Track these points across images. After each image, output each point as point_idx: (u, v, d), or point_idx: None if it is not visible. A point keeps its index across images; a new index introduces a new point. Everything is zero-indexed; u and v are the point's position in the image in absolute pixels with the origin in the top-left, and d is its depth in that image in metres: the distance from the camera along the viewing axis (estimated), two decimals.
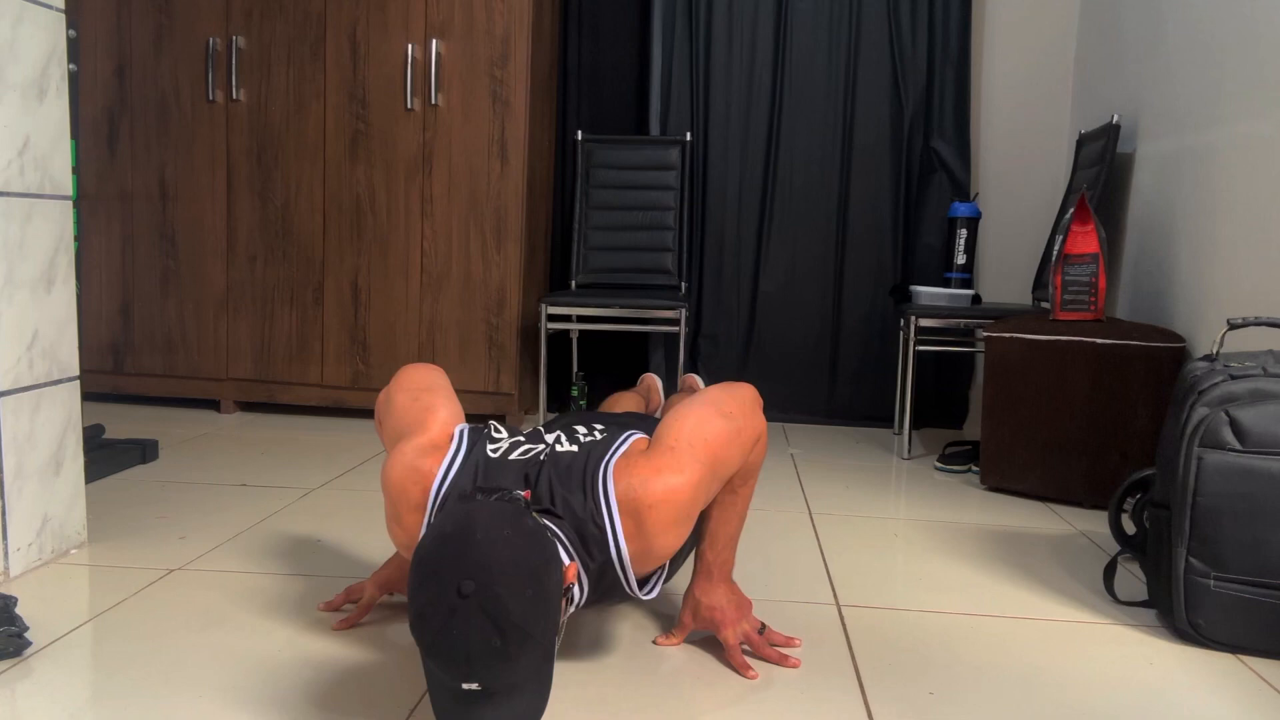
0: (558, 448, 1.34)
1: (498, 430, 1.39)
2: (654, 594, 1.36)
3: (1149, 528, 1.69)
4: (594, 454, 1.30)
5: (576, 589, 1.26)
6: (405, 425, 1.38)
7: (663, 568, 1.37)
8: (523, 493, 1.24)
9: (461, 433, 1.35)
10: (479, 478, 1.29)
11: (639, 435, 1.36)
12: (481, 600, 1.02)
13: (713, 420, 1.33)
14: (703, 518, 1.47)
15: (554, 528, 1.23)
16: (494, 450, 1.33)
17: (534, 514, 1.20)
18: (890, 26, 3.31)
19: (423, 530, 1.29)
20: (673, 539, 1.26)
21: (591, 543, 1.25)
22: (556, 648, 1.13)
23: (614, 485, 1.26)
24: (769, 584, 1.76)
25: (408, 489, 1.30)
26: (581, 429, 1.40)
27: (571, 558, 1.23)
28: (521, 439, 1.38)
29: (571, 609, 1.25)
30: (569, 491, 1.26)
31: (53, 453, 1.76)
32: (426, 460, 1.31)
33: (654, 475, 1.25)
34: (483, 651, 1.02)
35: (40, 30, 1.71)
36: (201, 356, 3.18)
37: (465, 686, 1.05)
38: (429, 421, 1.36)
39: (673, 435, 1.30)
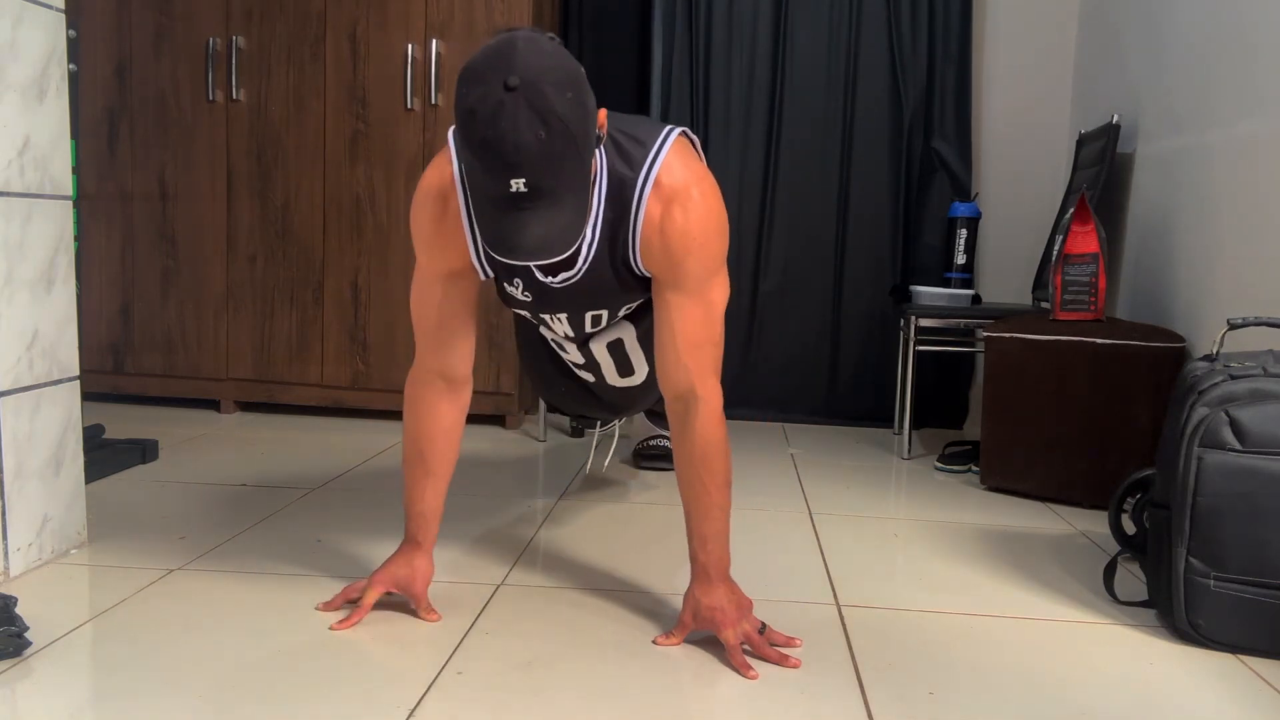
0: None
1: None
2: (628, 312, 1.52)
3: (1149, 528, 1.69)
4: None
5: (594, 191, 1.33)
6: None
7: (644, 391, 1.54)
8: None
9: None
10: None
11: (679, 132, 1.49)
12: (527, 93, 1.11)
13: (723, 298, 1.47)
14: (686, 518, 1.48)
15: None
16: None
17: None
18: (890, 26, 3.31)
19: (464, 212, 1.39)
20: (657, 235, 1.36)
21: (631, 157, 1.36)
22: (590, 180, 1.23)
23: (673, 147, 1.40)
24: (769, 584, 1.76)
25: (428, 183, 1.42)
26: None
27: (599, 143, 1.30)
28: None
29: (596, 209, 1.35)
30: (630, 119, 1.41)
31: (53, 453, 1.76)
32: (433, 169, 1.43)
33: (712, 194, 1.41)
34: (530, 142, 1.11)
35: (40, 30, 1.71)
36: (201, 356, 3.18)
37: (513, 185, 1.12)
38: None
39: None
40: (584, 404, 1.99)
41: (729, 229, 1.47)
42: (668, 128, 1.43)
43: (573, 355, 1.77)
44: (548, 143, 1.11)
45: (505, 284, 1.52)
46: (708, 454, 1.44)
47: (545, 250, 1.17)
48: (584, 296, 1.51)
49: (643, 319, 1.66)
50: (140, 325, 3.20)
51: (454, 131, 1.32)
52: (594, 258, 1.41)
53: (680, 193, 1.37)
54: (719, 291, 1.44)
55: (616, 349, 1.70)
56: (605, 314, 1.60)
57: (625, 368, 1.75)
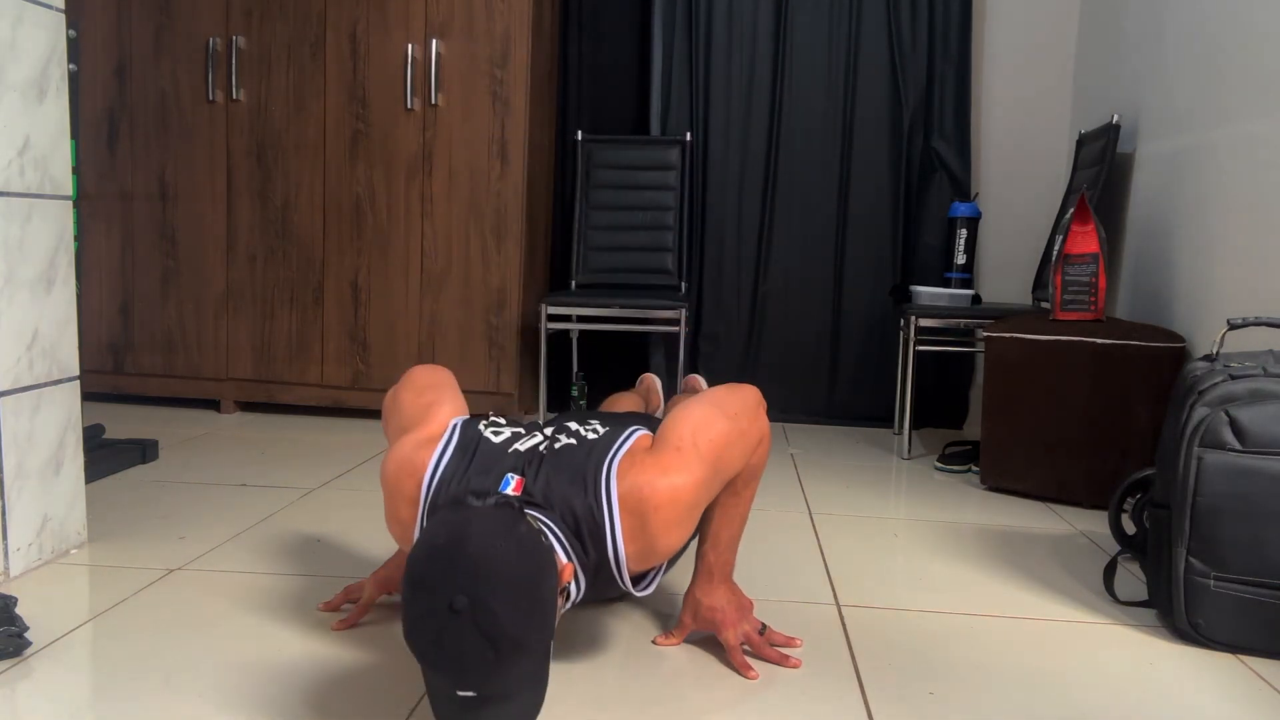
0: (557, 441, 1.33)
1: (499, 419, 1.40)
2: (649, 590, 1.36)
3: (1149, 528, 1.69)
4: (596, 450, 1.30)
5: (573, 586, 1.25)
6: (407, 421, 1.38)
7: (660, 565, 1.37)
8: (514, 481, 1.23)
9: (455, 425, 1.36)
10: (473, 464, 1.28)
11: (643, 432, 1.36)
12: (474, 615, 1.01)
13: (717, 420, 1.33)
14: (705, 518, 1.47)
15: (549, 525, 1.23)
16: (495, 435, 1.34)
17: (528, 514, 1.20)
18: (890, 26, 3.31)
19: (418, 525, 1.29)
20: (675, 539, 1.26)
21: (589, 539, 1.25)
22: (551, 650, 1.13)
23: (617, 484, 1.25)
24: (769, 584, 1.76)
25: (402, 481, 1.30)
26: (579, 425, 1.40)
27: (569, 557, 1.23)
28: (522, 430, 1.38)
29: (567, 605, 1.25)
30: (569, 485, 1.26)
31: (53, 453, 1.76)
32: (421, 452, 1.31)
33: (659, 475, 1.25)
34: (477, 663, 1.02)
35: (40, 30, 1.71)
36: (201, 356, 3.18)
37: (460, 693, 1.05)
38: (430, 416, 1.37)
39: (677, 434, 1.30)
40: None
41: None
42: (603, 479, 1.27)
43: None
44: (496, 661, 1.02)
45: None
46: (754, 472, 1.43)
47: None
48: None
49: None
50: (140, 325, 3.20)
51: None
52: (583, 598, 1.34)
53: (645, 523, 1.25)
54: (718, 440, 1.32)
55: None
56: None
57: None
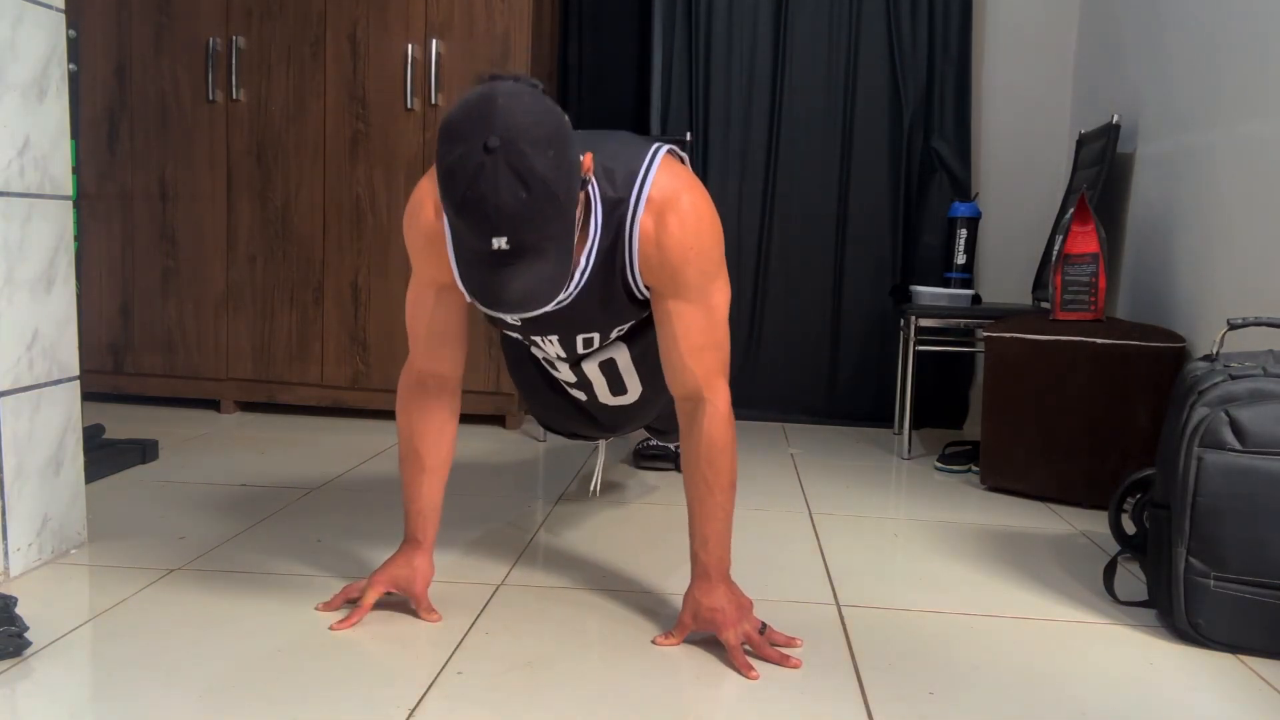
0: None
1: None
2: (621, 334, 1.52)
3: (1149, 528, 1.69)
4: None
5: (590, 220, 1.33)
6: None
7: (647, 338, 1.52)
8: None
9: None
10: None
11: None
12: (507, 154, 1.10)
13: (725, 302, 1.47)
14: (689, 517, 1.48)
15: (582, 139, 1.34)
16: None
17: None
18: (890, 26, 3.31)
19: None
20: (654, 251, 1.36)
21: (620, 178, 1.36)
22: (575, 227, 1.21)
23: (662, 164, 1.39)
24: (769, 584, 1.76)
25: (428, 177, 1.41)
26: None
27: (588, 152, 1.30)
28: None
29: (591, 241, 1.35)
30: (619, 140, 1.41)
31: (53, 453, 1.76)
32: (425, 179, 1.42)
33: (703, 202, 1.40)
34: (510, 202, 1.10)
35: (40, 30, 1.71)
36: (201, 356, 3.18)
37: (494, 244, 1.11)
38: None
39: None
40: (576, 422, 1.99)
41: (724, 232, 1.46)
42: (654, 146, 1.43)
43: (564, 374, 1.77)
44: (529, 203, 1.10)
45: None
46: (713, 455, 1.44)
47: (529, 303, 1.16)
48: (575, 320, 1.52)
49: (636, 340, 1.65)
50: (140, 325, 3.20)
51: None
52: (586, 283, 1.42)
53: (671, 203, 1.37)
54: (720, 295, 1.45)
55: (609, 368, 1.70)
56: (597, 336, 1.60)
57: (618, 387, 1.75)
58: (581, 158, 1.24)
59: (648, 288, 1.44)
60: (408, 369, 1.60)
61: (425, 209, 1.42)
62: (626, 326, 1.60)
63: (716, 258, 1.43)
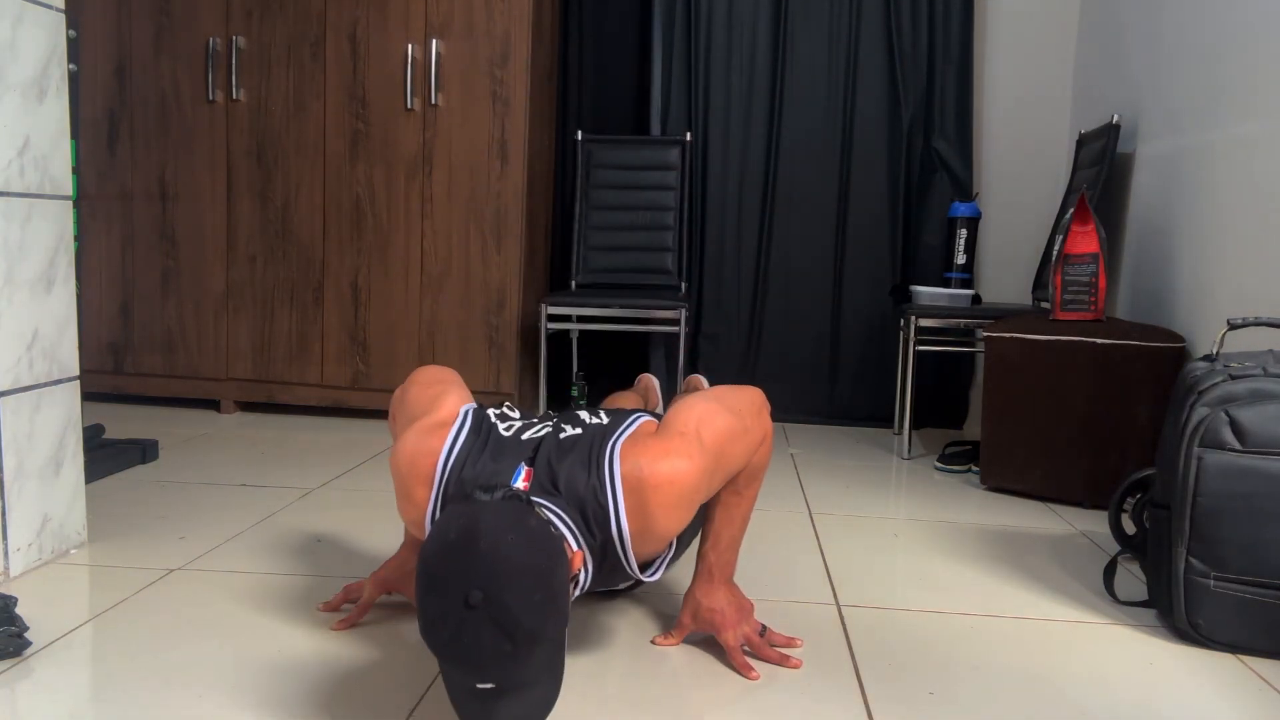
0: (563, 431, 1.36)
1: (511, 410, 1.43)
2: (657, 576, 1.37)
3: (1149, 528, 1.69)
4: (601, 433, 1.33)
5: (583, 573, 1.26)
6: (417, 411, 1.40)
7: (668, 551, 1.38)
8: (524, 472, 1.25)
9: (466, 411, 1.38)
10: (486, 450, 1.31)
11: (647, 418, 1.38)
12: (490, 610, 1.02)
13: (721, 414, 1.35)
14: (707, 518, 1.47)
15: (557, 513, 1.24)
16: (506, 429, 1.36)
17: (536, 505, 1.20)
18: (890, 27, 3.31)
19: (432, 505, 1.31)
20: (673, 523, 1.27)
21: (593, 520, 1.26)
22: (566, 638, 1.15)
23: (620, 463, 1.27)
24: (769, 584, 1.76)
25: (416, 462, 1.31)
26: (586, 414, 1.43)
27: (578, 545, 1.24)
28: (533, 420, 1.40)
29: (577, 592, 1.26)
30: (573, 468, 1.27)
31: (53, 453, 1.76)
32: (432, 437, 1.33)
33: (661, 457, 1.26)
34: (495, 656, 1.03)
35: (40, 30, 1.71)
36: (201, 356, 3.18)
37: (479, 686, 1.06)
38: (439, 404, 1.39)
39: (681, 421, 1.32)
40: None
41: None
42: (608, 456, 1.29)
43: None
44: (514, 653, 1.04)
45: None
46: (755, 473, 1.45)
47: None
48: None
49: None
50: (140, 325, 3.20)
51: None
52: (590, 583, 1.34)
53: (645, 505, 1.26)
54: (722, 432, 1.34)
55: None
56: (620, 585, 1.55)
57: None
58: (571, 561, 1.16)
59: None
60: (398, 397, 1.56)
61: (416, 494, 1.32)
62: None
63: (707, 458, 1.31)
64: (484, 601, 1.02)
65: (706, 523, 1.47)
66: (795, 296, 3.41)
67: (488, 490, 1.16)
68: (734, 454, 1.35)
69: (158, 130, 3.13)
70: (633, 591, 1.72)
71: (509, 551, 1.06)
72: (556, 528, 1.19)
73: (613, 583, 1.37)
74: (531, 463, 1.29)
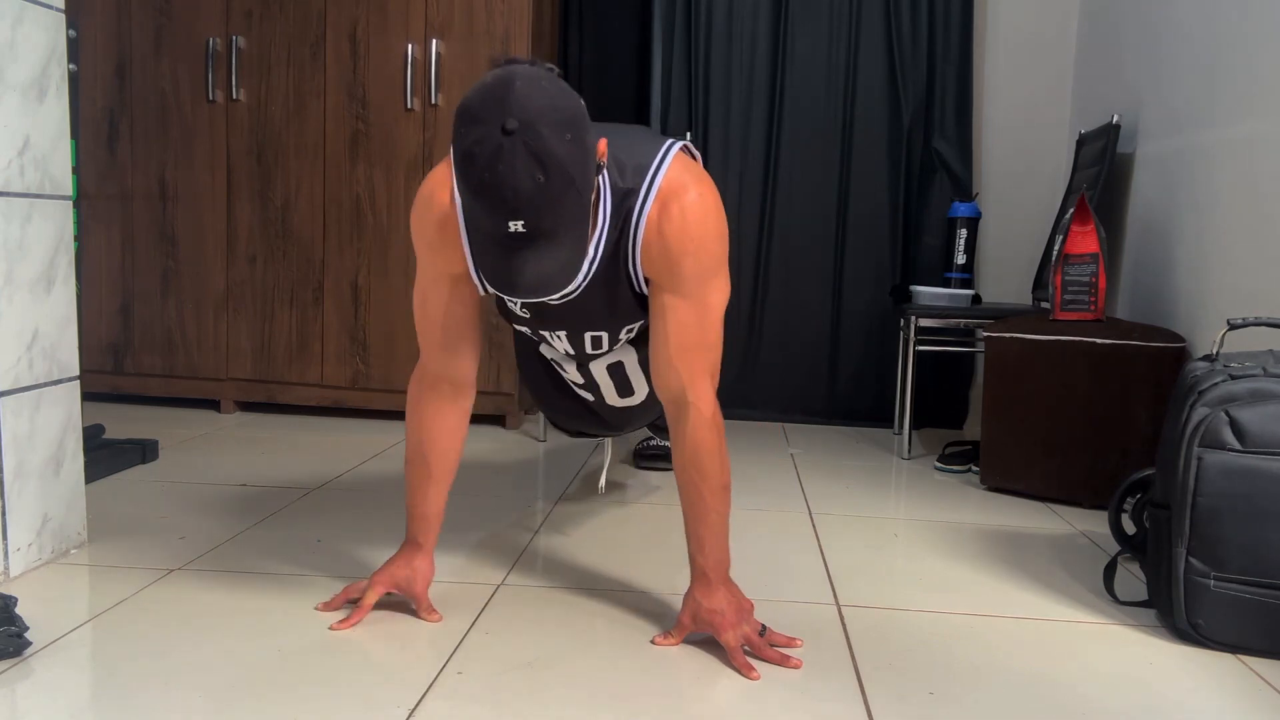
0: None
1: None
2: (628, 335, 1.51)
3: (1149, 528, 1.69)
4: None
5: (599, 212, 1.34)
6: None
7: (638, 328, 1.52)
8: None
9: None
10: None
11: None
12: (525, 136, 1.10)
13: (722, 303, 1.46)
14: (685, 521, 1.48)
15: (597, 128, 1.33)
16: None
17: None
18: (890, 27, 3.31)
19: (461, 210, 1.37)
20: (657, 243, 1.36)
21: (630, 169, 1.36)
22: (589, 216, 1.21)
23: (676, 158, 1.39)
24: (769, 584, 1.76)
25: (436, 170, 1.42)
26: None
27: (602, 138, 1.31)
28: None
29: (599, 231, 1.35)
30: (635, 133, 1.42)
31: (53, 453, 1.76)
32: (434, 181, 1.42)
33: (713, 201, 1.39)
34: (528, 186, 1.10)
35: (40, 30, 1.71)
36: (201, 356, 3.18)
37: (510, 227, 1.12)
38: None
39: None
40: (582, 420, 1.98)
41: (729, 233, 1.46)
42: (668, 142, 1.42)
43: (572, 374, 1.77)
44: (546, 186, 1.10)
45: (504, 299, 1.52)
46: (699, 459, 1.43)
47: (544, 288, 1.17)
48: (583, 315, 1.50)
49: (645, 343, 1.64)
50: (140, 325, 3.20)
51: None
52: (594, 276, 1.41)
53: (678, 194, 1.36)
54: (717, 295, 1.43)
55: (617, 371, 1.70)
56: (605, 336, 1.59)
57: (625, 389, 1.75)
58: (596, 143, 1.24)
59: (648, 280, 1.43)
60: (419, 372, 1.58)
61: (438, 197, 1.41)
62: (635, 328, 1.60)
63: (717, 254, 1.41)
64: (520, 129, 1.10)
65: (685, 527, 1.48)
66: (795, 296, 3.41)
67: (523, 61, 1.23)
68: (697, 317, 1.41)
69: (158, 130, 3.13)
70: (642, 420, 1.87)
71: (543, 91, 1.14)
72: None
73: (624, 316, 1.47)
74: None
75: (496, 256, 1.14)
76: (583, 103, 1.21)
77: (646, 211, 1.36)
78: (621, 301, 1.46)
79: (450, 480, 1.60)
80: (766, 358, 3.43)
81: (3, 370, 1.64)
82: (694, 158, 1.51)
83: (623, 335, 1.61)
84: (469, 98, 1.16)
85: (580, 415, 1.95)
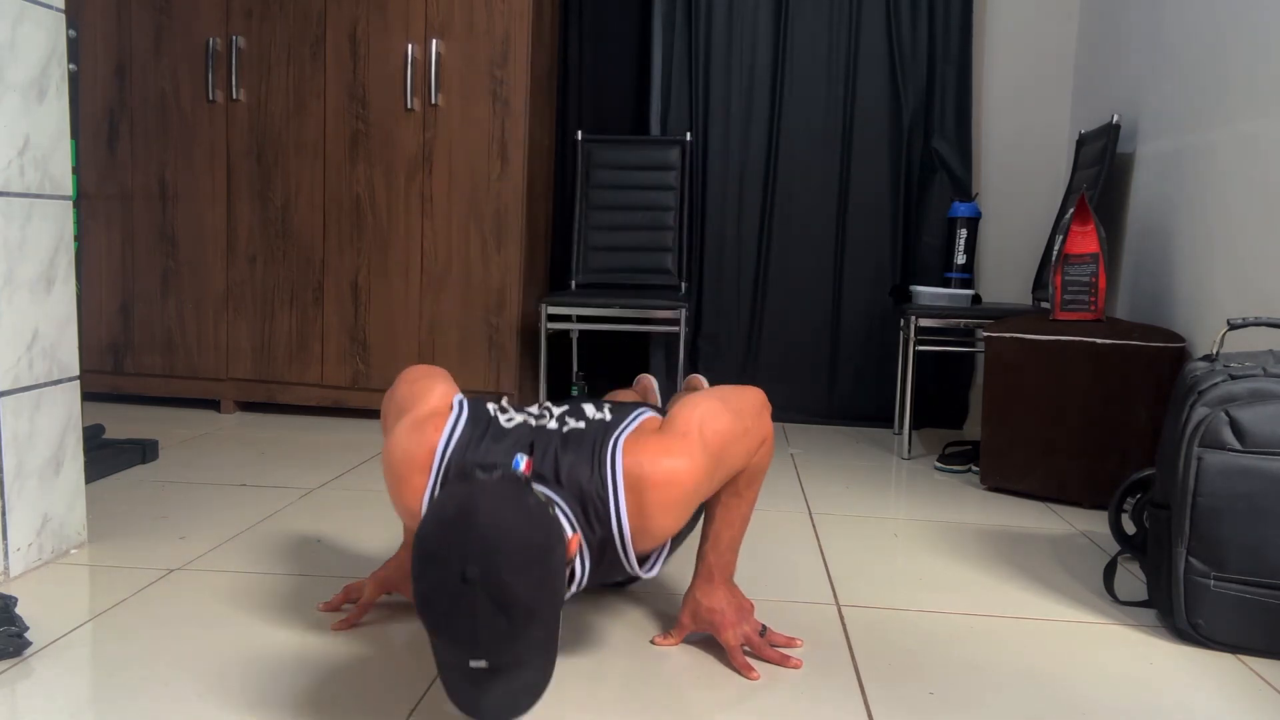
0: (566, 424, 1.36)
1: (509, 405, 1.42)
2: (654, 572, 1.37)
3: (1149, 528, 1.69)
4: (605, 428, 1.32)
5: (579, 563, 1.26)
6: (407, 404, 1.39)
7: (664, 546, 1.38)
8: (524, 461, 1.23)
9: (461, 400, 1.37)
10: (486, 437, 1.31)
11: (650, 414, 1.38)
12: (486, 586, 1.02)
13: (723, 414, 1.35)
14: (707, 518, 1.47)
15: (556, 499, 1.24)
16: (507, 420, 1.35)
17: (535, 488, 1.21)
18: (890, 26, 3.31)
19: (428, 494, 1.30)
20: (671, 522, 1.27)
21: (594, 516, 1.26)
22: (561, 620, 1.15)
23: (622, 460, 1.27)
24: (769, 584, 1.76)
25: (413, 453, 1.30)
26: (591, 407, 1.42)
27: (574, 529, 1.24)
28: (533, 413, 1.40)
29: (574, 588, 1.26)
30: (576, 461, 1.28)
31: (53, 453, 1.76)
32: (428, 427, 1.32)
33: (663, 455, 1.26)
34: (489, 633, 1.03)
35: (40, 30, 1.71)
36: (201, 356, 3.18)
37: (473, 664, 1.06)
38: (429, 394, 1.38)
39: (684, 420, 1.32)
40: None
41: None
42: (611, 447, 1.29)
43: None
44: (509, 630, 1.03)
45: None
46: (755, 473, 1.44)
47: (508, 713, 1.09)
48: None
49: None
50: (140, 325, 3.20)
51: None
52: (588, 578, 1.33)
53: (649, 516, 1.26)
54: (724, 433, 1.34)
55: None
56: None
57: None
58: (568, 543, 1.16)
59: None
60: (389, 399, 1.57)
61: (414, 481, 1.31)
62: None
63: (708, 457, 1.31)
64: (480, 577, 1.02)
65: (706, 523, 1.47)
66: (795, 296, 3.41)
67: (486, 469, 1.15)
68: (735, 454, 1.35)
69: (158, 130, 3.13)
70: (626, 589, 1.72)
71: (506, 528, 1.05)
72: (554, 509, 1.19)
73: (610, 577, 1.37)
74: (531, 452, 1.28)
75: (458, 681, 1.08)
76: (553, 517, 1.13)
77: (631, 548, 1.29)
78: (618, 571, 1.39)
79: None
80: (766, 358, 3.43)
81: (3, 370, 1.64)
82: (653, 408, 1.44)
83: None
84: (426, 528, 1.07)
85: None
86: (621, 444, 1.29)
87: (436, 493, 1.29)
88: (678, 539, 1.47)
